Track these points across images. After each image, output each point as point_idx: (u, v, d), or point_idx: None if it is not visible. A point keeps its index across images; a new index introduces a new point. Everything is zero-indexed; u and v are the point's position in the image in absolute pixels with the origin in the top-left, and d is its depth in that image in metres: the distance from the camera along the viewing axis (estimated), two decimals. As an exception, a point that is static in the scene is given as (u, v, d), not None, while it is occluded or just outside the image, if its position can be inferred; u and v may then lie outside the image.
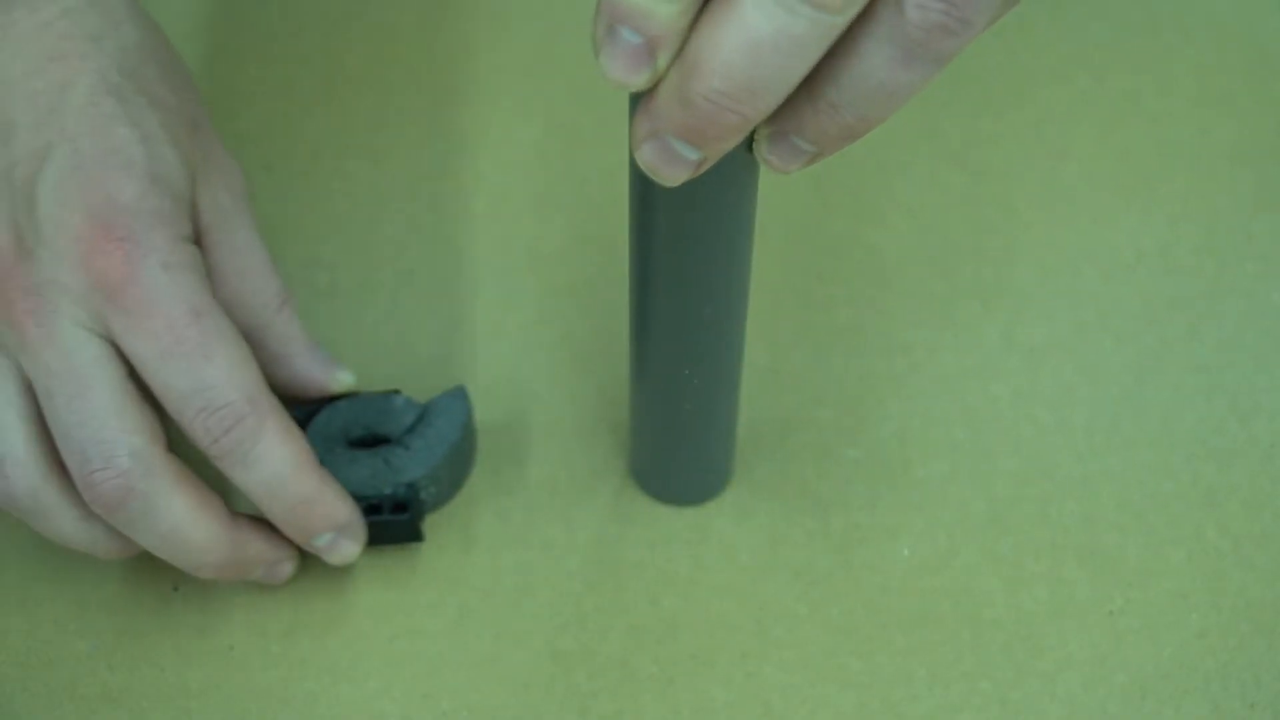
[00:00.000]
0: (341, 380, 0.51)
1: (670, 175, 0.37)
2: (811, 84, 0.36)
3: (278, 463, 0.46)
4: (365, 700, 0.49)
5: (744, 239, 0.43)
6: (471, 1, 0.64)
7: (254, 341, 0.49)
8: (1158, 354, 0.55)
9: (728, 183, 0.40)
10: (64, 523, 0.47)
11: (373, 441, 0.52)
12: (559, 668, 0.50)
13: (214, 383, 0.45)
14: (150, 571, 0.51)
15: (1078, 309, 0.56)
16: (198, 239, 0.48)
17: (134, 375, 0.46)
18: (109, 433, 0.45)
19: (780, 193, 0.59)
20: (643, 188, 0.41)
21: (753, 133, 0.38)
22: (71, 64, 0.47)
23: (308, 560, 0.51)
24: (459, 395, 0.52)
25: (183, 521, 0.46)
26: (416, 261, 0.58)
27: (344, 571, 0.51)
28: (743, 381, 0.49)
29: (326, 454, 0.50)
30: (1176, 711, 0.49)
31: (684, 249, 0.42)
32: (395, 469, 0.50)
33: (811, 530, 0.52)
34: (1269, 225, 0.58)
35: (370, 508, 0.50)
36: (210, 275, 0.48)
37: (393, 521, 0.50)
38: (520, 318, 0.56)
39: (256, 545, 0.49)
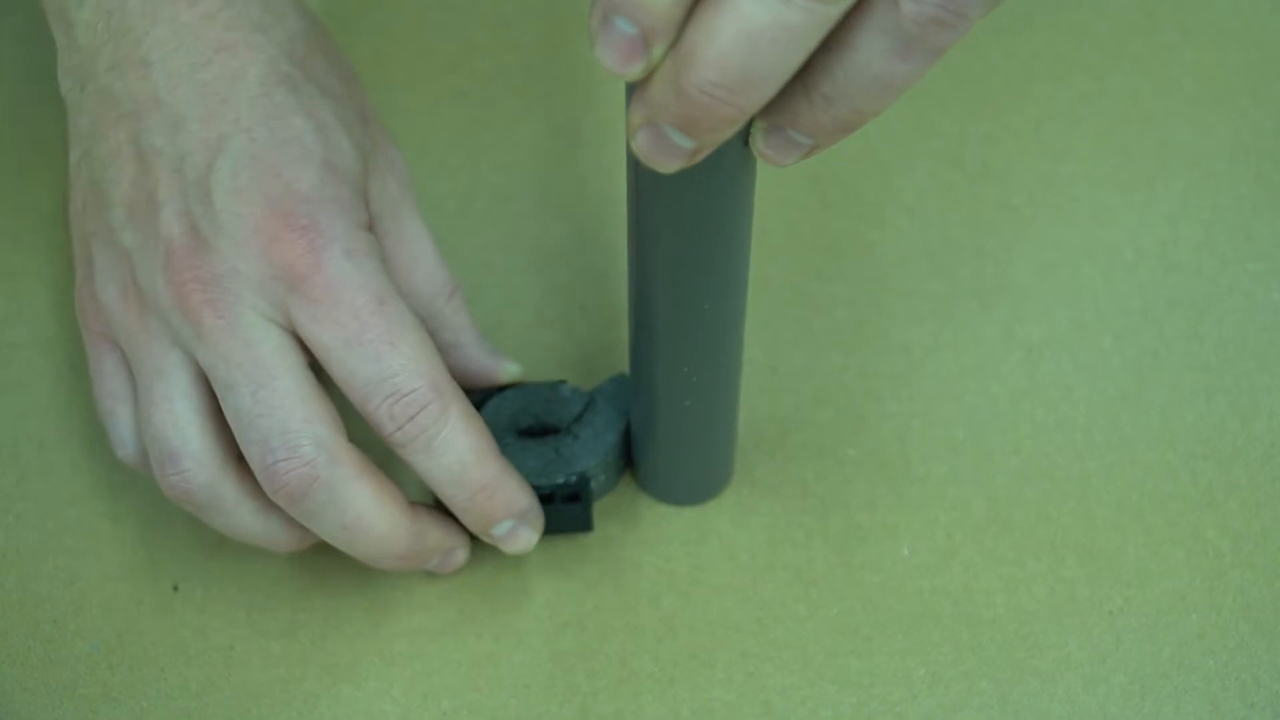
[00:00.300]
0: (509, 371, 0.51)
1: (665, 163, 0.36)
2: (806, 76, 0.36)
3: (461, 449, 0.46)
4: (365, 700, 0.49)
5: (741, 232, 0.43)
6: (471, 1, 0.64)
7: (425, 328, 0.49)
8: (1157, 353, 0.55)
9: (725, 175, 0.40)
10: (242, 516, 0.47)
11: (541, 431, 0.51)
12: (559, 668, 0.50)
13: (399, 370, 0.45)
14: (150, 571, 0.51)
15: (1077, 308, 0.56)
16: (369, 227, 0.48)
17: (313, 365, 0.46)
18: (294, 422, 0.45)
19: (780, 192, 0.59)
20: (640, 180, 0.41)
21: (749, 125, 0.38)
22: (241, 54, 0.47)
23: (307, 560, 0.51)
24: (624, 383, 0.51)
25: (366, 511, 0.46)
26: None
27: (343, 571, 0.51)
28: (743, 382, 0.49)
29: (501, 443, 0.50)
30: (1176, 711, 0.49)
31: (681, 242, 0.42)
32: (566, 458, 0.50)
33: (811, 530, 0.52)
34: (1269, 225, 0.58)
35: (543, 497, 0.50)
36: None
37: (565, 511, 0.50)
38: (520, 318, 0.56)
39: (435, 534, 0.48)
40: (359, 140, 0.48)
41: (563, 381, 0.51)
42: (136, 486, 0.53)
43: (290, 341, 0.45)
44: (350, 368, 0.45)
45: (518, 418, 0.51)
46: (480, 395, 0.51)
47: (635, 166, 0.41)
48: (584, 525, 0.51)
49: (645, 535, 0.52)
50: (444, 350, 0.50)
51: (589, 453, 0.50)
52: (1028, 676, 0.50)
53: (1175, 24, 0.63)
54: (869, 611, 0.51)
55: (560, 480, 0.50)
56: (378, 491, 0.46)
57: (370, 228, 0.48)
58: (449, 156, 0.60)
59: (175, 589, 0.51)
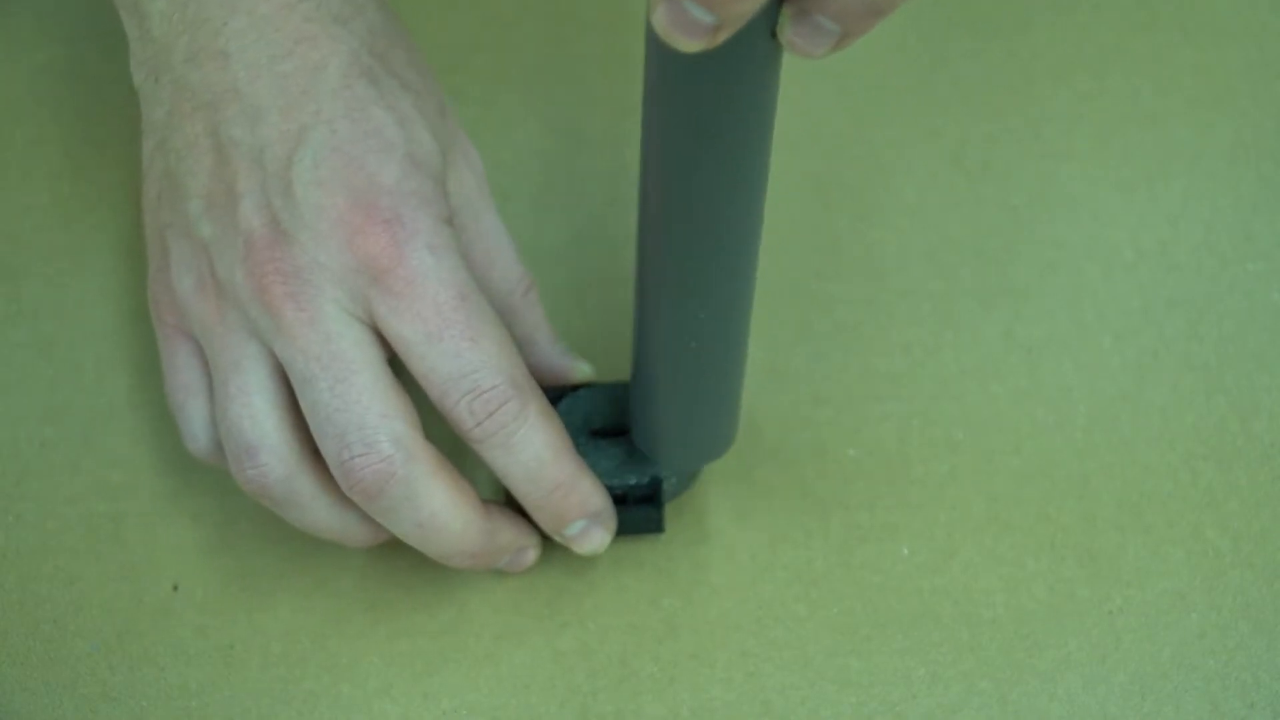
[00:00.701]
0: (581, 370, 0.51)
1: (685, 40, 0.35)
2: None
3: (539, 447, 0.46)
4: (365, 700, 0.49)
5: (763, 143, 0.41)
6: (471, 1, 0.64)
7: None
8: (1157, 353, 0.55)
9: (748, 70, 0.38)
10: (318, 511, 0.47)
11: (613, 431, 0.51)
12: (559, 668, 0.50)
13: (480, 366, 0.45)
14: (150, 571, 0.51)
15: (1077, 308, 0.56)
16: (449, 221, 0.48)
17: (392, 361, 0.46)
18: (372, 418, 0.45)
19: (780, 192, 0.58)
20: (659, 75, 0.39)
21: (777, 12, 0.36)
22: (321, 46, 0.46)
23: (305, 560, 0.51)
24: None
25: (441, 509, 0.46)
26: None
27: (344, 571, 0.51)
28: (744, 380, 0.49)
29: (575, 443, 0.50)
30: (1176, 711, 0.49)
31: (699, 149, 0.40)
32: (640, 459, 0.50)
33: (811, 530, 0.52)
34: (1269, 225, 0.58)
35: (615, 498, 0.50)
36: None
37: (636, 512, 0.50)
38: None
39: (507, 533, 0.48)
40: (439, 134, 0.48)
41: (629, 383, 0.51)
42: (137, 486, 0.53)
43: (370, 336, 0.45)
44: (430, 363, 0.45)
45: (590, 418, 0.51)
46: (552, 394, 0.51)
47: (656, 60, 0.39)
48: (655, 527, 0.51)
49: (646, 535, 0.52)
50: (519, 346, 0.50)
51: None
52: (1028, 676, 0.50)
53: (1175, 24, 0.63)
54: (869, 611, 0.51)
55: (634, 481, 0.50)
56: (452, 489, 0.46)
57: (450, 222, 0.47)
58: (449, 156, 0.60)
59: (175, 589, 0.51)
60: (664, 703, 0.49)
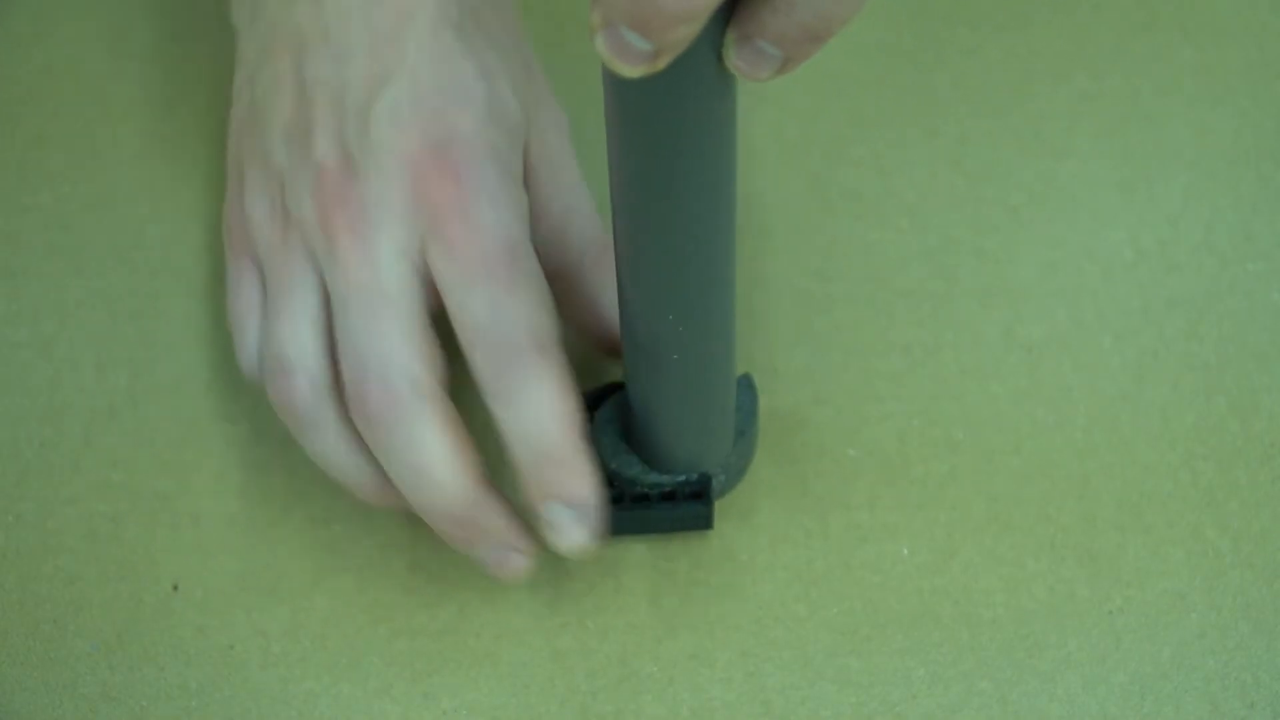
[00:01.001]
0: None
1: (626, 67, 0.36)
2: None
3: (543, 411, 0.46)
4: (365, 700, 0.49)
5: (724, 160, 0.41)
6: (471, 2, 0.64)
7: (567, 282, 0.50)
8: (1157, 353, 0.55)
9: (700, 91, 0.39)
10: (335, 444, 0.48)
11: None
12: (559, 667, 0.50)
13: (511, 319, 0.46)
14: (150, 571, 0.51)
15: (1077, 308, 0.56)
16: (526, 177, 0.48)
17: (441, 319, 0.47)
18: (396, 355, 0.45)
19: (780, 192, 0.59)
20: (617, 101, 0.40)
21: (722, 37, 0.37)
22: None
23: (307, 560, 0.51)
24: (746, 384, 0.51)
25: (436, 458, 0.46)
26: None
27: (343, 571, 0.51)
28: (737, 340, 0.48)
29: (622, 442, 0.50)
30: (1176, 711, 0.49)
31: (661, 171, 0.40)
32: None
33: (811, 530, 0.52)
34: (1269, 225, 0.58)
35: (665, 495, 0.50)
36: (535, 212, 0.49)
37: (685, 509, 0.50)
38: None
39: (496, 519, 0.48)
40: (522, 92, 0.49)
41: None
42: (137, 486, 0.53)
43: (417, 280, 0.46)
44: (467, 308, 0.46)
45: None
46: (602, 391, 0.51)
47: (612, 88, 0.39)
48: (704, 524, 0.51)
49: (645, 534, 0.52)
50: (583, 306, 0.51)
51: None
52: (1028, 676, 0.50)
53: (1175, 24, 0.63)
54: (869, 611, 0.51)
55: (683, 478, 0.50)
56: (454, 443, 0.46)
57: (525, 181, 0.48)
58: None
59: (175, 588, 0.51)
60: (664, 703, 0.49)
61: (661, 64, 0.36)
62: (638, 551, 0.52)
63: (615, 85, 0.39)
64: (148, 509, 0.53)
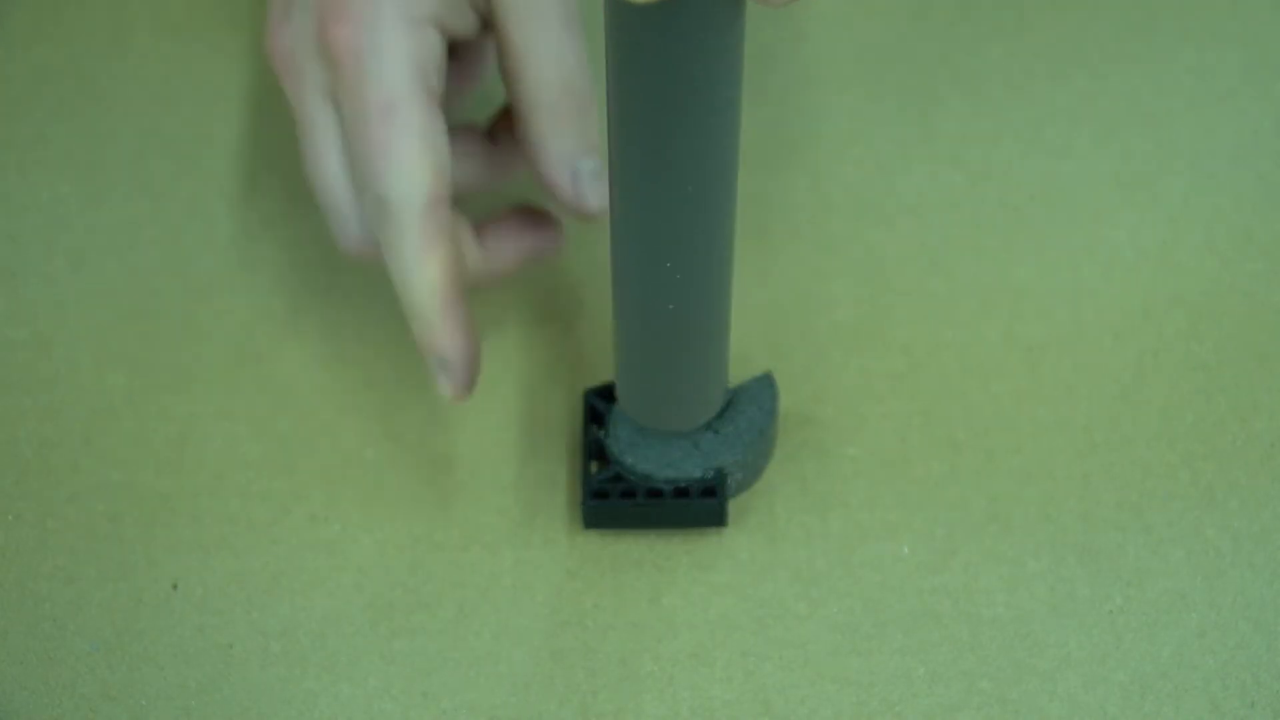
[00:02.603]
0: (587, 208, 0.51)
1: None
2: None
3: (410, 277, 0.47)
4: (365, 700, 0.49)
5: (729, 94, 0.40)
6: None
7: (520, 125, 0.50)
8: (1157, 353, 0.55)
9: (707, 23, 0.38)
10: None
11: None
12: (559, 667, 0.50)
13: (383, 178, 0.47)
14: (149, 570, 0.51)
15: (1077, 307, 0.56)
16: (492, 18, 0.49)
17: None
18: (379, 175, 0.47)
19: (780, 192, 0.59)
20: (618, 31, 0.39)
21: None
22: None
23: (306, 559, 0.51)
24: (767, 382, 0.52)
25: (414, 273, 0.48)
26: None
27: (343, 571, 0.51)
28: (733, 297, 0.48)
29: (634, 434, 0.51)
30: (1176, 710, 0.49)
31: (662, 104, 0.40)
32: (705, 453, 0.50)
33: (811, 529, 0.52)
34: (1269, 225, 0.58)
35: (678, 490, 0.50)
36: (500, 49, 0.49)
37: (699, 505, 0.50)
38: (520, 316, 0.56)
39: (450, 322, 0.48)
40: None
41: None
42: (137, 486, 0.53)
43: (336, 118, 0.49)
44: (353, 161, 0.48)
45: None
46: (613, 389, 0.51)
47: (614, 13, 0.39)
48: (718, 520, 0.51)
49: (645, 533, 0.52)
50: (528, 152, 0.50)
51: (728, 449, 0.51)
52: (1027, 676, 0.50)
53: (1175, 24, 0.63)
54: (869, 610, 0.51)
55: (698, 474, 0.50)
56: (440, 256, 0.48)
57: (492, 19, 0.49)
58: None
59: (174, 587, 0.51)
60: (664, 702, 0.49)
61: None
62: (638, 551, 0.52)
63: (617, 15, 0.38)
64: (148, 509, 0.53)
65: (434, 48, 0.48)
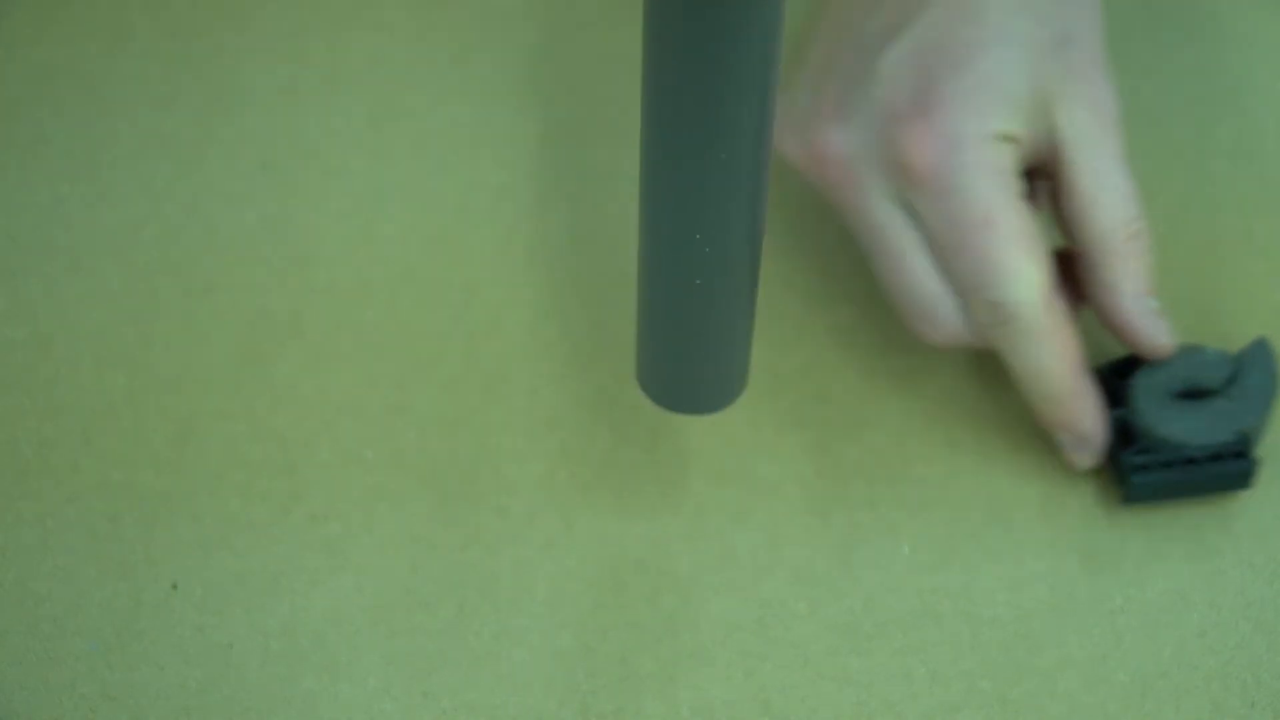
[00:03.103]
0: (1158, 341, 0.52)
1: None
2: None
3: (1040, 366, 0.49)
4: (365, 699, 0.49)
5: (766, 69, 0.40)
6: (471, 1, 0.64)
7: (1087, 261, 0.51)
8: (1158, 353, 0.55)
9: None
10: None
11: (1192, 394, 0.52)
12: (559, 667, 0.50)
13: (996, 287, 0.48)
14: (149, 570, 0.51)
15: (1078, 308, 0.56)
16: (1053, 156, 0.50)
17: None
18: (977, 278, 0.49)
19: (780, 192, 0.58)
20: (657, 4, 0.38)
21: None
22: None
23: (304, 559, 0.51)
24: (1263, 346, 0.52)
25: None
26: (416, 260, 0.58)
27: (343, 570, 0.51)
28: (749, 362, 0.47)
29: (1159, 407, 0.51)
30: (1176, 710, 0.49)
31: (696, 73, 0.39)
32: (1228, 418, 0.51)
33: (811, 529, 0.52)
34: (1269, 225, 0.58)
35: (1212, 456, 0.51)
36: (1064, 187, 0.50)
37: (1226, 468, 0.51)
38: (520, 316, 0.56)
39: (1087, 404, 0.51)
40: (1039, 63, 0.49)
41: (1201, 346, 0.52)
42: (137, 486, 0.53)
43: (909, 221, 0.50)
44: (954, 266, 0.49)
45: (1169, 382, 0.52)
46: (1124, 361, 0.52)
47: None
48: (1243, 483, 0.52)
49: (645, 533, 0.52)
50: (1096, 289, 0.51)
51: (1248, 412, 0.51)
52: (1027, 675, 0.49)
53: (1175, 24, 0.63)
54: (869, 610, 0.51)
55: (1226, 439, 0.51)
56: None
57: (1053, 157, 0.50)
58: (449, 155, 0.60)
59: (174, 587, 0.51)
60: (664, 702, 0.49)
61: None
62: (638, 551, 0.52)
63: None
64: (147, 509, 0.53)
65: (1013, 155, 0.49)
